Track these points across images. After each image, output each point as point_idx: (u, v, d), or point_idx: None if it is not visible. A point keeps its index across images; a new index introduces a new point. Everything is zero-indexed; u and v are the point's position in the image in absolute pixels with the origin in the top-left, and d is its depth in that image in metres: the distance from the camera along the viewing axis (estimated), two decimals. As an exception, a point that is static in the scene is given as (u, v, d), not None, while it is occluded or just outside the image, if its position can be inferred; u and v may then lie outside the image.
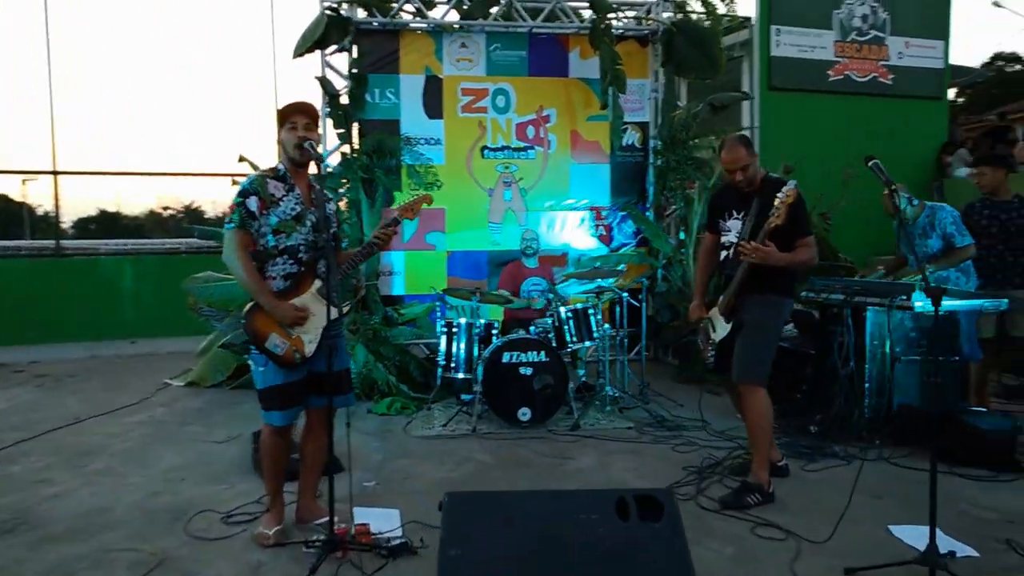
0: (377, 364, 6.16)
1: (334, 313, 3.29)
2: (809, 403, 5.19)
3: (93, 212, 12.20)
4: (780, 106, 9.94)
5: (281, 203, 3.36)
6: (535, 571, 2.36)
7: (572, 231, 7.62)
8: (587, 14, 7.42)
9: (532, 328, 5.72)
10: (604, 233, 7.68)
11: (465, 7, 7.39)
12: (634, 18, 7.95)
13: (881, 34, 11.02)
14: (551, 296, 5.84)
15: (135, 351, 8.59)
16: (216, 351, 6.85)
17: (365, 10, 7.15)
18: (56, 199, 9.23)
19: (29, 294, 8.54)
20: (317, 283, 3.41)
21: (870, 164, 3.32)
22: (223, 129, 11.00)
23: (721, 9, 7.87)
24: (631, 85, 7.31)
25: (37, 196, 10.35)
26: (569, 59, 7.56)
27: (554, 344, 5.50)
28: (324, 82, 7.00)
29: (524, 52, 7.48)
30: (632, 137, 7.70)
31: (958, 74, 13.47)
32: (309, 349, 3.36)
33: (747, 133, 7.49)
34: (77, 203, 10.70)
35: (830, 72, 10.85)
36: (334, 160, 7.07)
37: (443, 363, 5.73)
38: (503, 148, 7.47)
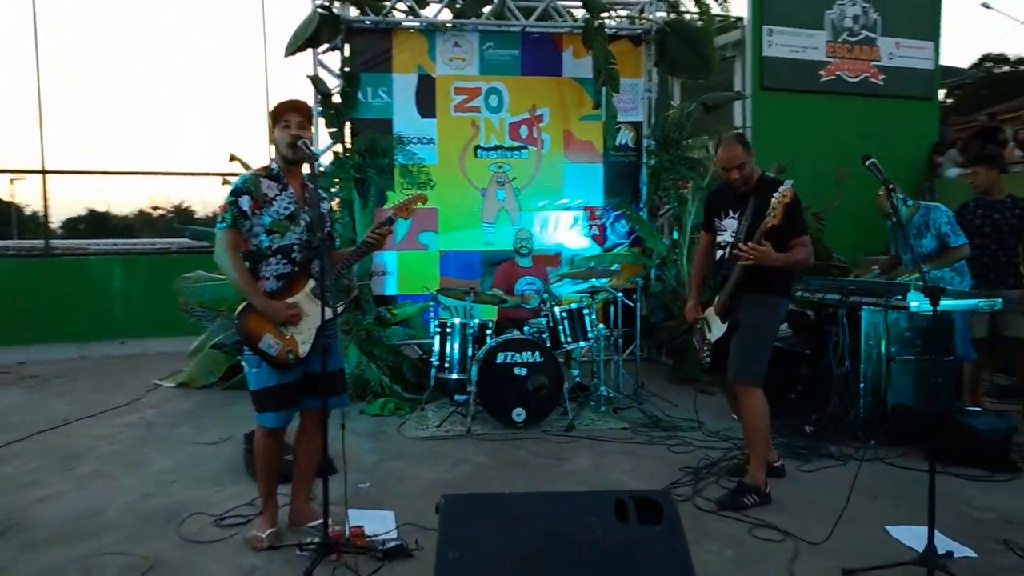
0: (370, 365, 6.12)
1: (328, 313, 3.25)
2: (804, 403, 5.18)
3: (82, 212, 12.11)
4: (772, 106, 9.96)
5: (274, 202, 3.32)
6: (535, 574, 2.33)
7: (565, 231, 7.59)
8: (580, 13, 7.40)
9: (526, 328, 5.69)
10: (597, 233, 7.65)
11: (458, 6, 7.37)
12: (627, 17, 7.93)
13: (872, 35, 11.06)
14: (546, 296, 5.81)
15: (125, 352, 8.52)
16: (207, 352, 6.80)
17: (357, 8, 7.11)
18: (45, 198, 9.17)
19: (17, 294, 8.45)
20: (311, 283, 3.37)
21: (867, 163, 3.32)
22: (214, 128, 10.92)
23: (715, 9, 7.87)
24: (624, 85, 7.29)
25: (25, 195, 10.28)
26: (562, 58, 7.54)
27: (549, 344, 5.47)
28: (316, 81, 6.96)
29: (517, 51, 7.46)
30: (625, 137, 7.69)
31: (947, 75, 13.54)
32: (303, 350, 3.32)
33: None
34: (66, 203, 10.61)
35: (822, 72, 10.88)
36: (326, 159, 7.02)
37: (437, 363, 5.69)
38: (496, 148, 7.43)
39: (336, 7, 6.93)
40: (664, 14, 7.70)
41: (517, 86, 7.45)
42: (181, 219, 11.99)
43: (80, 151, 9.89)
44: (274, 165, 3.41)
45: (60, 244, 9.89)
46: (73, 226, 11.93)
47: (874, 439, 4.65)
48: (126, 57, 10.12)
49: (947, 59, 11.33)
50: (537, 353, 5.26)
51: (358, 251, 3.56)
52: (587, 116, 7.53)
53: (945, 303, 4.51)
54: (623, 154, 7.71)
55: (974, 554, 3.20)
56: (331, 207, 4.01)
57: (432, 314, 6.47)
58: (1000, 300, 4.73)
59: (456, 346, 5.62)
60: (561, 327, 5.56)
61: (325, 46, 7.02)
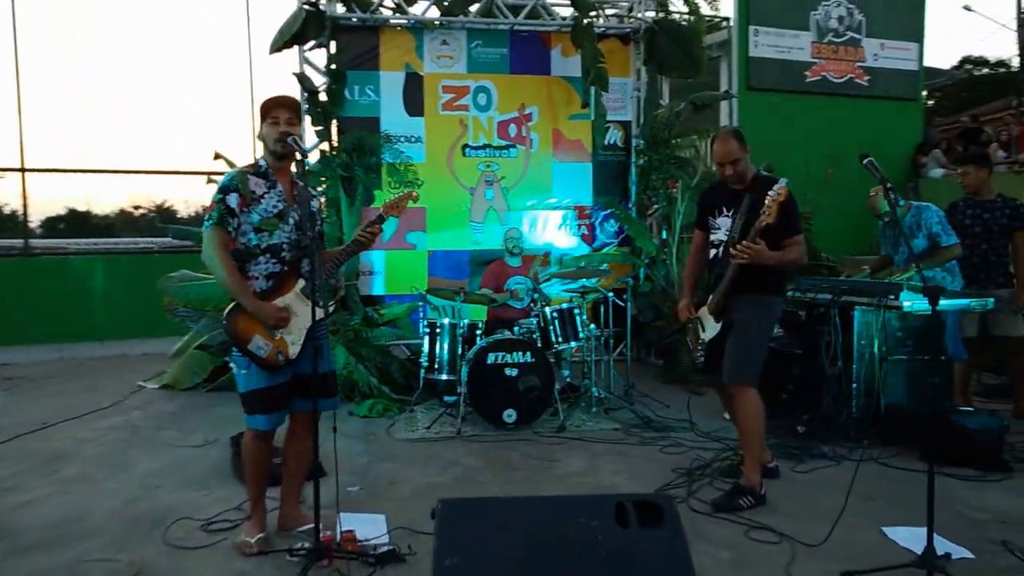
0: (358, 366, 6.05)
1: (319, 313, 3.19)
2: (795, 403, 5.16)
3: (62, 211, 11.95)
4: (758, 106, 9.98)
5: (263, 200, 3.26)
6: (535, 580, 2.29)
7: (554, 230, 7.55)
8: (568, 11, 7.36)
9: (516, 328, 5.64)
10: (586, 232, 7.62)
11: (445, 3, 7.30)
12: (615, 16, 7.90)
13: (857, 35, 11.12)
14: (536, 295, 5.76)
15: (106, 353, 8.38)
16: (192, 353, 6.69)
17: (344, 5, 7.04)
18: (24, 197, 9.00)
19: (-4, 294, 8.31)
20: (301, 283, 3.31)
21: (865, 161, 3.29)
22: (197, 127, 10.80)
23: (705, 10, 7.86)
24: (613, 84, 7.25)
25: (4, 194, 10.07)
26: (551, 57, 7.50)
27: (539, 344, 5.42)
28: (302, 78, 6.87)
29: (505, 49, 7.41)
30: (614, 136, 7.66)
31: (929, 76, 13.64)
32: (293, 351, 3.25)
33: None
34: (45, 202, 10.44)
35: (807, 73, 10.92)
36: (313, 158, 6.94)
37: (426, 364, 5.63)
38: (485, 146, 7.38)
39: (323, 4, 6.85)
40: (653, 13, 7.67)
41: (505, 85, 7.40)
42: (163, 218, 11.86)
43: (60, 149, 9.75)
44: (262, 162, 3.34)
45: (39, 244, 9.74)
46: (53, 225, 11.77)
47: (867, 439, 4.63)
48: (107, 54, 10.00)
49: (928, 61, 11.43)
50: (528, 353, 5.21)
51: (348, 250, 3.49)
52: (576, 115, 7.50)
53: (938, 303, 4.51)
54: (612, 153, 7.68)
55: (971, 555, 3.18)
56: (320, 205, 3.93)
57: (421, 314, 6.40)
58: (992, 300, 4.74)
59: (446, 346, 5.56)
60: (552, 327, 5.51)
61: (311, 43, 6.94)
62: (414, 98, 7.20)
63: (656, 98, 7.70)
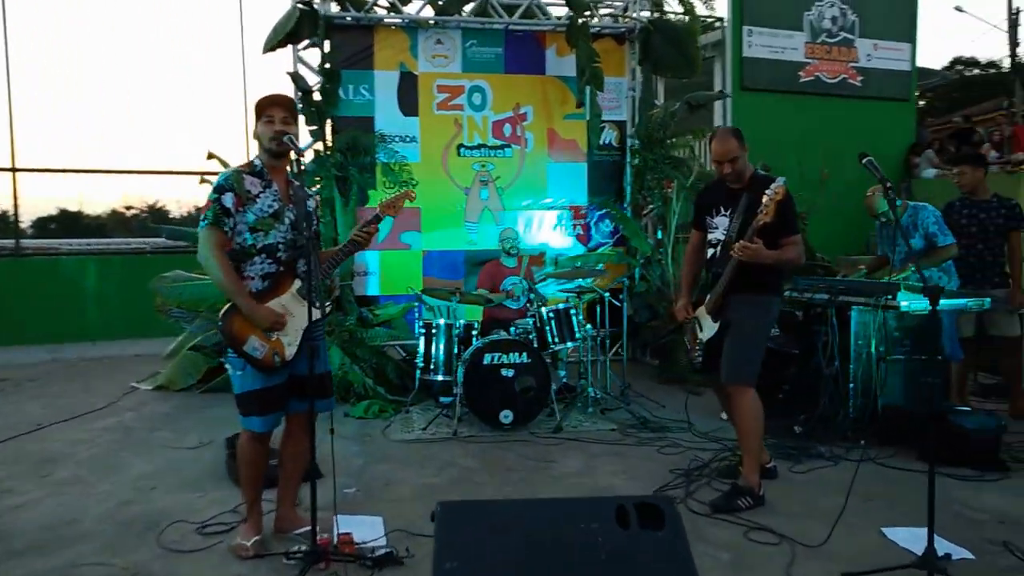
0: (353, 366, 6.01)
1: (316, 314, 3.16)
2: (791, 404, 5.15)
3: (53, 211, 11.87)
4: (752, 106, 9.99)
5: (258, 200, 3.23)
6: (536, 583, 2.27)
7: (549, 230, 7.53)
8: (563, 11, 7.34)
9: (512, 329, 5.62)
10: (581, 232, 7.60)
11: (440, 3, 7.27)
12: (610, 16, 7.89)
13: (851, 36, 11.15)
14: (532, 296, 5.73)
15: (99, 354, 8.32)
16: (186, 353, 6.65)
17: (338, 4, 7.00)
18: (15, 197, 8.92)
19: (-13, 295, 8.24)
20: (297, 283, 3.28)
21: (864, 161, 3.27)
22: (189, 126, 10.71)
23: (701, 9, 7.86)
24: (608, 83, 7.24)
25: (-6, 194, 10.00)
26: (546, 56, 7.47)
27: (536, 345, 5.40)
28: (296, 78, 6.83)
29: (500, 49, 7.38)
30: (609, 136, 7.64)
31: (921, 77, 13.70)
32: (289, 352, 3.22)
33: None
34: (36, 202, 10.36)
35: (801, 73, 10.94)
36: (307, 158, 6.89)
37: (422, 365, 5.60)
38: (479, 146, 7.35)
39: (316, 3, 6.81)
40: (648, 13, 7.66)
41: (500, 84, 7.37)
42: (155, 219, 11.79)
43: (52, 149, 9.68)
44: (257, 161, 3.32)
45: (31, 244, 9.67)
46: (44, 226, 11.69)
47: (864, 439, 4.62)
48: (99, 52, 9.91)
49: (919, 61, 11.53)
50: (524, 354, 5.19)
51: (345, 250, 3.47)
52: (571, 115, 7.47)
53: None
54: (607, 153, 7.66)
55: (972, 556, 3.18)
56: (316, 205, 3.88)
57: (416, 315, 6.37)
58: (989, 300, 4.74)
59: (441, 347, 5.53)
60: (548, 327, 5.49)
61: (305, 42, 6.89)
62: (409, 97, 7.16)
63: (651, 98, 7.69)
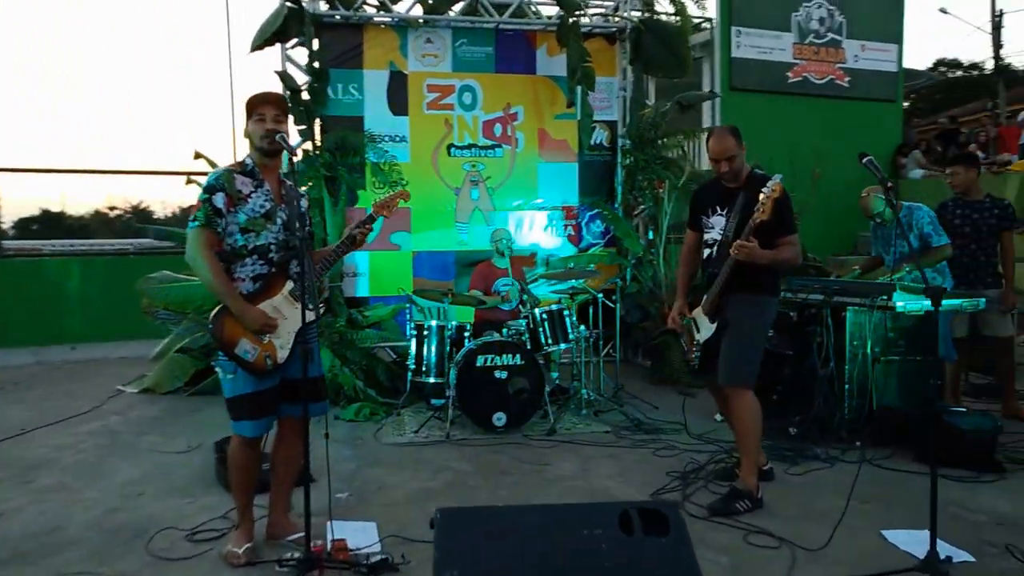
0: (343, 368, 5.93)
1: (310, 316, 3.09)
2: (786, 405, 5.13)
3: (35, 212, 11.74)
4: (741, 107, 10.00)
5: (249, 200, 3.16)
6: (539, 592, 2.21)
7: (540, 231, 7.48)
8: (554, 10, 7.30)
9: (504, 330, 5.56)
10: (573, 233, 7.56)
11: (430, 1, 7.21)
12: (600, 15, 7.85)
13: (838, 37, 11.19)
14: (526, 297, 5.68)
15: (83, 356, 8.18)
16: (173, 356, 6.54)
17: (327, 2, 6.92)
18: (-4, 197, 8.79)
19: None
20: (289, 284, 3.22)
21: (864, 161, 3.25)
22: (174, 126, 10.61)
23: (692, 10, 7.84)
24: (599, 83, 7.19)
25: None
26: (536, 56, 7.42)
27: (529, 346, 5.35)
28: (284, 76, 6.74)
29: (491, 48, 7.33)
30: (600, 136, 7.60)
31: (907, 78, 13.79)
32: (281, 355, 3.16)
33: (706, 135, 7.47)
34: (18, 202, 10.21)
35: (789, 74, 10.97)
36: (298, 156, 6.81)
37: (413, 367, 5.54)
38: (470, 146, 7.29)
39: (305, 1, 6.72)
40: (638, 12, 7.63)
41: (491, 84, 7.32)
42: (139, 219, 11.67)
43: (33, 148, 9.55)
44: (248, 160, 3.25)
45: (12, 245, 9.51)
46: (26, 226, 11.55)
47: (859, 440, 4.61)
48: (81, 52, 9.80)
49: (904, 63, 11.65)
50: (518, 356, 5.14)
51: (339, 250, 3.41)
52: (561, 115, 7.43)
53: (929, 303, 4.49)
54: (598, 153, 7.62)
55: (972, 558, 3.15)
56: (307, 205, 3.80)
57: (407, 316, 6.30)
58: (983, 300, 4.74)
59: (433, 349, 5.47)
60: (541, 328, 5.44)
61: (294, 41, 6.81)
62: (398, 97, 7.10)
63: (642, 98, 7.65)
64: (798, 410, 4.93)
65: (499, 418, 5.07)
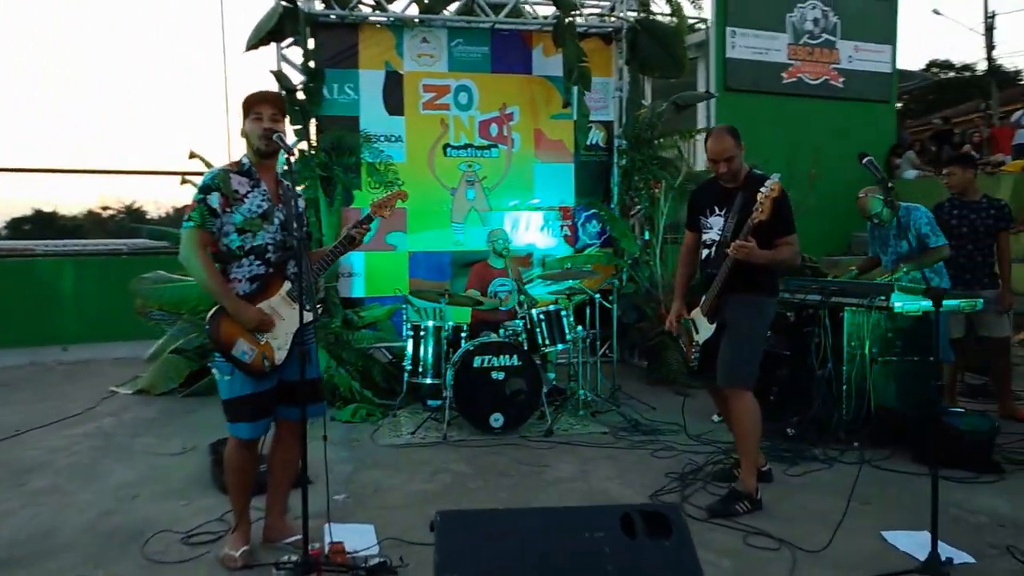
0: (339, 369, 5.90)
1: (307, 317, 3.07)
2: (783, 406, 5.12)
3: (27, 212, 11.68)
4: (736, 107, 10.01)
5: (246, 200, 3.13)
6: (541, 596, 2.19)
7: (536, 231, 7.46)
8: (550, 10, 7.28)
9: (501, 331, 5.54)
10: (568, 233, 7.54)
11: (426, 1, 7.18)
12: (597, 15, 7.84)
13: (832, 38, 11.21)
14: (522, 298, 5.65)
15: (76, 357, 8.13)
16: (167, 357, 6.50)
17: (322, 2, 6.89)
18: (-12, 197, 8.74)
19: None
20: (287, 285, 3.18)
21: (864, 161, 3.24)
22: (168, 125, 10.58)
23: (689, 10, 7.83)
24: (595, 83, 7.19)
25: (-35, 195, 9.81)
26: (532, 56, 7.41)
27: (526, 347, 5.33)
28: (280, 76, 6.71)
29: (487, 48, 7.30)
30: (596, 136, 7.59)
31: (901, 79, 13.84)
32: (279, 356, 3.13)
33: (704, 135, 7.46)
34: (10, 202, 10.16)
35: (784, 74, 10.99)
36: (295, 156, 6.77)
37: (410, 368, 5.51)
38: (466, 146, 7.27)
39: (300, 1, 6.69)
40: (635, 12, 7.62)
41: (487, 84, 7.30)
42: (133, 219, 11.63)
43: (25, 148, 9.51)
44: (245, 160, 3.22)
45: (5, 245, 9.47)
46: (18, 226, 11.50)
47: (857, 441, 4.60)
48: (74, 52, 9.75)
49: (897, 64, 11.70)
50: (515, 356, 5.12)
51: (336, 251, 3.38)
52: (557, 115, 7.42)
53: (927, 304, 4.50)
54: (594, 153, 7.60)
55: (973, 560, 3.14)
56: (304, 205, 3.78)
57: (404, 317, 6.27)
58: (981, 301, 4.73)
59: (430, 349, 5.45)
60: (539, 329, 5.41)
61: (289, 40, 6.77)
62: (394, 97, 7.07)
63: (638, 98, 7.63)
64: (796, 411, 4.91)
65: (496, 419, 5.05)
